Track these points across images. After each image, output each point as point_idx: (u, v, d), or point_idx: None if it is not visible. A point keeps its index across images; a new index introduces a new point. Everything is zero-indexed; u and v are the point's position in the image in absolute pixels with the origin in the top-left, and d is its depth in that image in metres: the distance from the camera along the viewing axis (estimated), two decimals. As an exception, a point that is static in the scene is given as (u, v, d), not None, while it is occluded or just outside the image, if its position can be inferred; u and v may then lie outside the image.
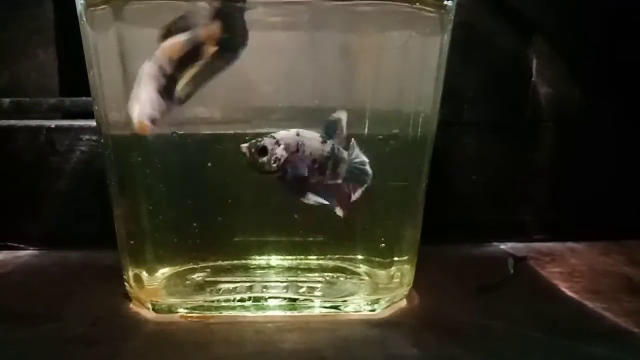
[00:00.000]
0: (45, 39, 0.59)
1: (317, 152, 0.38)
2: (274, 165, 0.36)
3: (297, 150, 0.37)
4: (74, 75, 0.53)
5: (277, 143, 0.36)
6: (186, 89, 0.37)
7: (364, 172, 0.40)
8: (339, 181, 0.39)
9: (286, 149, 0.36)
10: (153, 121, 0.34)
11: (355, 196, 0.39)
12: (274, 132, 0.37)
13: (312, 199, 0.38)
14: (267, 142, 0.36)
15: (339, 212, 0.39)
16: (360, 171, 0.40)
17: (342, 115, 0.39)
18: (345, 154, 0.39)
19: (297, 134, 0.37)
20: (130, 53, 0.40)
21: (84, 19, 0.40)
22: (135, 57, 0.40)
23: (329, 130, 0.39)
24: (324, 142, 0.38)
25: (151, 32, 0.41)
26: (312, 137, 0.38)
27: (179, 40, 0.35)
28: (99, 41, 0.40)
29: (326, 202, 0.38)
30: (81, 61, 0.42)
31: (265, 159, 0.36)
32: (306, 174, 0.37)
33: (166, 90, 0.35)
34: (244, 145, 0.36)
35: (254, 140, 0.36)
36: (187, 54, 0.36)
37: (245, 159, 0.36)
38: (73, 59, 0.50)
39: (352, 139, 0.39)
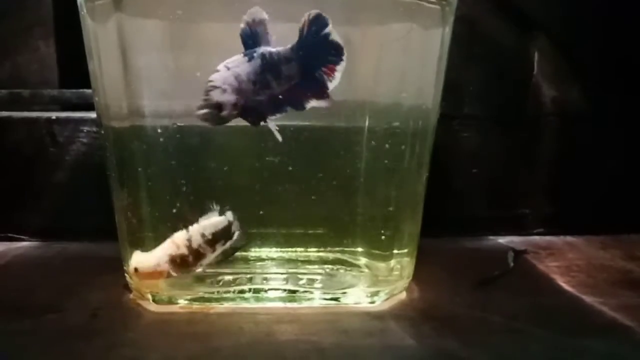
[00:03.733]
0: (45, 30, 0.59)
1: (252, 74, 0.35)
2: (235, 112, 0.34)
3: (239, 85, 0.34)
4: (75, 67, 0.53)
5: (224, 90, 0.34)
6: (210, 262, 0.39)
7: (331, 47, 0.35)
8: (294, 81, 0.36)
9: (232, 91, 0.34)
10: (136, 270, 0.38)
11: (334, 79, 0.35)
12: (209, 79, 0.34)
13: (272, 126, 0.36)
14: (215, 95, 0.34)
15: (320, 104, 0.36)
16: (326, 47, 0.35)
17: (259, 15, 0.35)
18: (286, 51, 0.35)
19: (227, 68, 0.34)
20: (131, 44, 0.40)
21: (84, 10, 0.40)
22: (135, 48, 0.40)
23: (250, 41, 0.35)
24: (250, 59, 0.35)
25: (152, 23, 0.41)
26: (239, 63, 0.35)
27: (215, 219, 0.39)
28: (99, 32, 0.40)
29: (276, 132, 0.36)
30: (82, 53, 0.42)
31: (225, 112, 0.34)
32: (260, 101, 0.35)
33: (180, 259, 0.38)
34: (202, 112, 0.34)
35: (203, 102, 0.34)
36: (219, 232, 0.39)
37: (209, 122, 0.34)
38: (73, 51, 0.50)
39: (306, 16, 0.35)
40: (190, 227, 0.39)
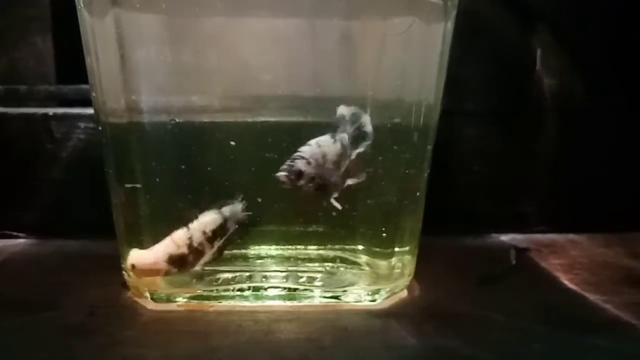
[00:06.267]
0: (43, 25, 0.58)
1: (334, 155, 0.38)
2: (310, 185, 0.37)
3: (324, 163, 0.38)
4: (72, 63, 0.53)
5: (308, 162, 0.37)
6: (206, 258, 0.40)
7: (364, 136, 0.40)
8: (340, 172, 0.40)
9: (316, 166, 0.37)
10: (133, 266, 0.38)
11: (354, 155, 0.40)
12: (299, 151, 0.37)
13: (335, 204, 0.39)
14: (300, 164, 0.37)
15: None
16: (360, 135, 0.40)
17: (345, 111, 0.39)
18: (348, 145, 0.40)
19: (318, 145, 0.38)
20: (129, 39, 0.39)
21: (82, 4, 0.40)
22: (133, 43, 0.40)
23: (339, 125, 0.39)
24: (335, 142, 0.39)
25: (150, 18, 0.40)
26: (328, 143, 0.38)
27: (212, 216, 0.39)
28: (97, 27, 0.40)
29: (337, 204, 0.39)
30: (79, 48, 0.42)
31: (302, 182, 0.37)
32: (332, 180, 0.39)
33: (178, 258, 0.38)
34: (282, 174, 0.37)
35: (286, 166, 0.37)
36: (218, 228, 0.40)
37: (285, 185, 0.37)
38: (71, 46, 0.50)
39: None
40: (190, 225, 0.38)
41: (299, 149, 0.38)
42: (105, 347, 0.34)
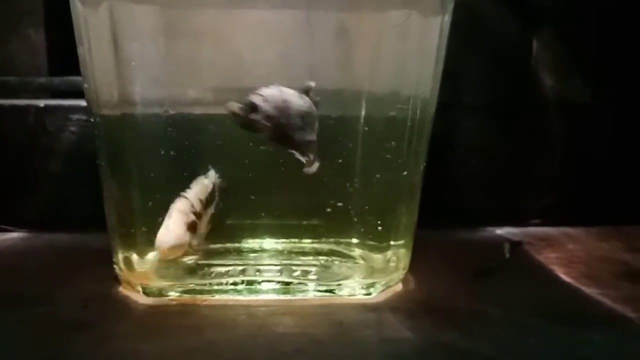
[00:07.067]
0: (35, 17, 0.58)
1: (300, 107, 0.37)
2: (267, 123, 0.36)
3: (286, 110, 0.36)
4: (65, 55, 0.52)
5: (265, 100, 0.36)
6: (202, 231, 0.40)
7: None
8: (314, 137, 0.39)
9: (275, 107, 0.36)
10: (173, 247, 0.38)
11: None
12: (257, 89, 0.36)
13: (297, 156, 0.38)
14: (256, 99, 0.35)
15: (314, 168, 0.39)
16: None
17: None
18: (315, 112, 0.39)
19: (280, 90, 0.37)
20: (122, 30, 0.39)
21: (74, -6, 0.39)
22: (127, 34, 0.39)
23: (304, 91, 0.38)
24: (301, 97, 0.37)
25: (144, 9, 0.40)
26: (293, 93, 0.37)
27: (204, 183, 0.41)
28: (90, 18, 0.39)
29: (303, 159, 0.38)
30: (72, 40, 0.41)
31: (257, 116, 0.35)
32: (293, 131, 0.37)
33: (192, 226, 0.38)
34: (234, 104, 0.36)
35: (241, 100, 0.36)
36: (209, 195, 0.41)
37: (237, 118, 0.36)
38: (64, 39, 0.49)
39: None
40: (186, 194, 0.39)
41: (259, 89, 0.36)
42: (99, 342, 0.34)
